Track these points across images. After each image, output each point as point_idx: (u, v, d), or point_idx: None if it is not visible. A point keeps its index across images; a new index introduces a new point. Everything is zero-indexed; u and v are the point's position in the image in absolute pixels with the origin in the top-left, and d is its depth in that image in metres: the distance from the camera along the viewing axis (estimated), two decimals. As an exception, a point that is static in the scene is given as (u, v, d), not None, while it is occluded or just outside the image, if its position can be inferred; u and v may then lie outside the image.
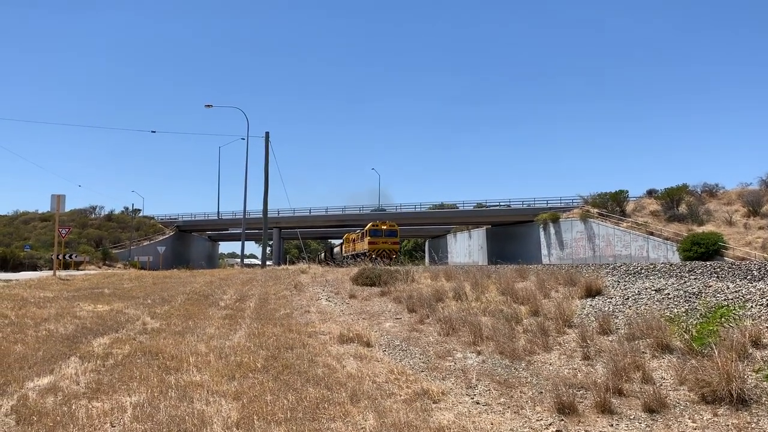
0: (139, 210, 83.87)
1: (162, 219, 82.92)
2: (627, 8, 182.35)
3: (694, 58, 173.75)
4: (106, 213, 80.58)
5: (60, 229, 31.23)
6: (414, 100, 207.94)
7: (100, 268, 50.86)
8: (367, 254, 41.89)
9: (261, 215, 45.37)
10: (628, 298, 10.07)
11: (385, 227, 48.71)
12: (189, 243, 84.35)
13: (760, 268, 10.92)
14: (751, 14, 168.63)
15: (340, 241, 71.69)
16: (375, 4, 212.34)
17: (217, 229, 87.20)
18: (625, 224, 45.52)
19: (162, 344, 8.59)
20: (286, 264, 44.72)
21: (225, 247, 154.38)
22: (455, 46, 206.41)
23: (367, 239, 48.29)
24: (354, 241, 56.72)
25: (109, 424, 5.14)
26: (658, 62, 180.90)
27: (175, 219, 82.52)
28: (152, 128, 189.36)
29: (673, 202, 45.73)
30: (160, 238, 72.72)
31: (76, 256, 48.41)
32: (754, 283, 9.35)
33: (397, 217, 65.91)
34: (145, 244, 69.56)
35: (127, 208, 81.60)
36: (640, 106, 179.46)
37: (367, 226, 49.51)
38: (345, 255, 58.42)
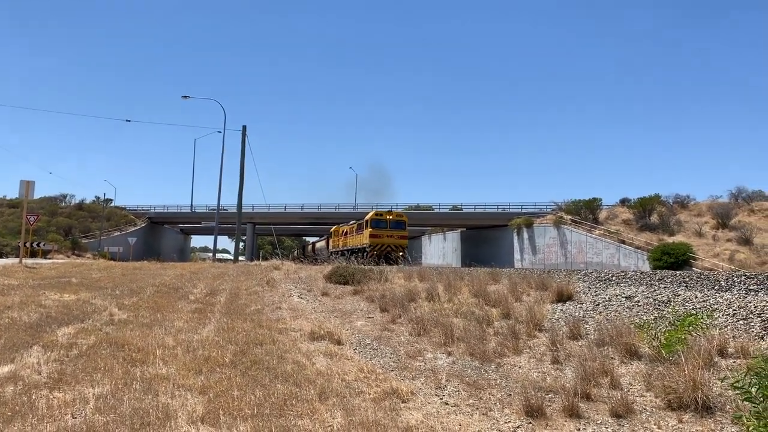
0: (111, 200, 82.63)
1: (134, 210, 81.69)
2: (603, 16, 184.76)
3: (671, 69, 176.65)
4: (77, 202, 79.17)
5: (28, 216, 30.59)
6: (392, 100, 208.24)
7: (68, 257, 49.96)
8: (367, 251, 35.86)
9: (235, 210, 45.02)
10: (598, 304, 10.15)
11: (390, 217, 38.63)
12: (161, 235, 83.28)
13: (727, 279, 11.10)
14: (723, 30, 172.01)
15: (322, 236, 65.14)
16: (354, 2, 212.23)
17: (190, 222, 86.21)
18: (597, 232, 46.06)
19: (128, 336, 8.43)
20: (259, 260, 43.95)
21: (197, 241, 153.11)
22: (435, 47, 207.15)
23: (367, 232, 38.44)
24: (346, 234, 47.02)
25: (70, 415, 5.02)
26: (636, 72, 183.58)
27: (148, 210, 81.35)
28: (127, 117, 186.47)
29: (646, 212, 46.41)
30: (132, 230, 71.63)
31: (44, 245, 47.46)
32: (721, 294, 9.49)
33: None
34: (115, 234, 68.48)
35: (98, 198, 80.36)
36: (616, 115, 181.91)
37: (369, 215, 39.59)
38: (333, 251, 48.64)
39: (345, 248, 43.93)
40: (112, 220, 73.05)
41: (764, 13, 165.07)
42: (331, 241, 52.72)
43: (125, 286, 15.87)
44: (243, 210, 46.38)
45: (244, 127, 44.19)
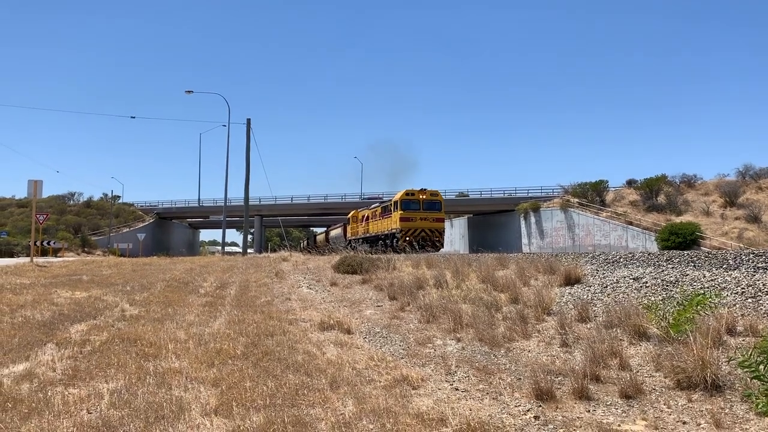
0: (119, 197, 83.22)
1: (142, 206, 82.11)
2: (612, 1, 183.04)
3: (677, 50, 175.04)
4: (85, 199, 79.69)
5: (37, 216, 30.80)
6: (398, 86, 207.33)
7: (78, 255, 50.34)
8: (398, 237, 31.87)
9: (242, 203, 45.10)
10: (606, 287, 10.16)
11: (424, 196, 32.91)
12: (169, 230, 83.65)
13: (735, 258, 11.08)
14: (733, 9, 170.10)
15: (334, 224, 61.15)
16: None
17: (198, 216, 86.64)
18: (604, 214, 45.92)
19: (140, 331, 8.52)
20: (267, 252, 43.99)
21: (206, 235, 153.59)
22: (441, 34, 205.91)
23: (396, 215, 32.96)
24: (367, 219, 41.32)
25: (85, 411, 5.09)
26: (642, 53, 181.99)
27: (156, 206, 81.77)
28: (132, 114, 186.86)
29: (652, 193, 46.19)
30: (140, 225, 72.00)
31: (54, 243, 47.80)
32: (729, 272, 9.48)
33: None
34: (124, 231, 68.87)
35: (106, 195, 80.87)
36: (621, 96, 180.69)
37: (398, 195, 33.88)
38: (352, 239, 43.59)
39: (367, 235, 40.10)
40: (121, 217, 73.46)
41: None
42: (349, 228, 47.79)
43: (136, 281, 15.98)
44: (250, 203, 46.45)
45: (249, 120, 44.21)
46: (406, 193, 33.07)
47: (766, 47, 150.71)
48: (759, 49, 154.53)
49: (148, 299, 12.25)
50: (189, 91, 49.48)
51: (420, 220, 32.34)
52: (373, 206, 41.02)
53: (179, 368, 6.48)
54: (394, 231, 33.09)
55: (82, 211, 73.15)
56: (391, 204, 35.04)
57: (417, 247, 27.66)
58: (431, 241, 31.88)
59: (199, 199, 78.76)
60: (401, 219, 32.28)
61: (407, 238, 31.02)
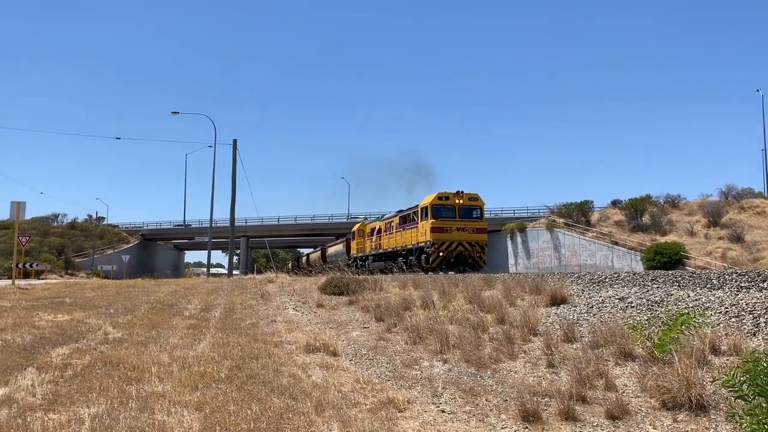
0: (104, 218, 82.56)
1: (127, 227, 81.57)
2: (593, 15, 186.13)
3: (660, 69, 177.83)
4: (69, 221, 78.96)
5: (20, 237, 30.45)
6: (384, 104, 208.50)
7: (62, 277, 49.72)
8: (428, 252, 25.51)
9: (228, 224, 44.92)
10: (592, 307, 10.20)
11: (460, 201, 26.43)
12: (154, 252, 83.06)
13: (719, 278, 11.16)
14: (714, 29, 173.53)
15: (330, 241, 54.97)
16: (346, 8, 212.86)
17: (183, 238, 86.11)
18: (590, 234, 46.19)
19: (123, 354, 8.41)
20: (253, 273, 43.44)
21: (191, 256, 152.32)
22: (427, 48, 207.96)
23: (426, 225, 26.28)
24: (378, 232, 34.28)
25: (65, 437, 5.00)
26: (626, 71, 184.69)
27: (140, 227, 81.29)
28: (117, 135, 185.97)
29: (637, 213, 46.57)
30: (125, 247, 71.45)
31: (36, 265, 47.25)
32: (713, 292, 9.55)
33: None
34: (109, 252, 68.27)
35: (90, 216, 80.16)
36: (605, 116, 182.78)
37: (427, 200, 27.03)
38: (359, 256, 38.11)
39: (379, 251, 33.33)
40: (105, 239, 72.85)
41: (749, 12, 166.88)
42: (354, 244, 40.57)
43: (119, 304, 15.81)
44: (236, 224, 46.29)
45: (235, 141, 44.17)
46: (439, 197, 26.41)
47: (746, 66, 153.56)
48: (740, 68, 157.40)
49: (131, 322, 12.11)
50: (175, 112, 49.51)
51: (456, 230, 25.79)
52: (386, 216, 34.57)
53: (162, 392, 6.40)
54: (422, 245, 26.63)
55: (66, 233, 72.43)
56: (416, 211, 28.13)
57: (454, 266, 23.67)
58: (471, 257, 25.77)
59: (184, 220, 78.43)
60: (433, 229, 25.65)
61: (440, 254, 25.16)
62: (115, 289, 22.77)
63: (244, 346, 9.14)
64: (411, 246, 28.00)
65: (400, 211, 31.60)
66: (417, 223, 27.71)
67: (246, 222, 72.64)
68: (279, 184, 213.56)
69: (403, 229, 29.62)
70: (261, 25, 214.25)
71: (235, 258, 67.26)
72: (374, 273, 27.43)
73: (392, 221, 32.32)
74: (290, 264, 79.77)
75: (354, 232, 40.46)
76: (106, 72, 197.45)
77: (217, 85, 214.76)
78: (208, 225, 48.35)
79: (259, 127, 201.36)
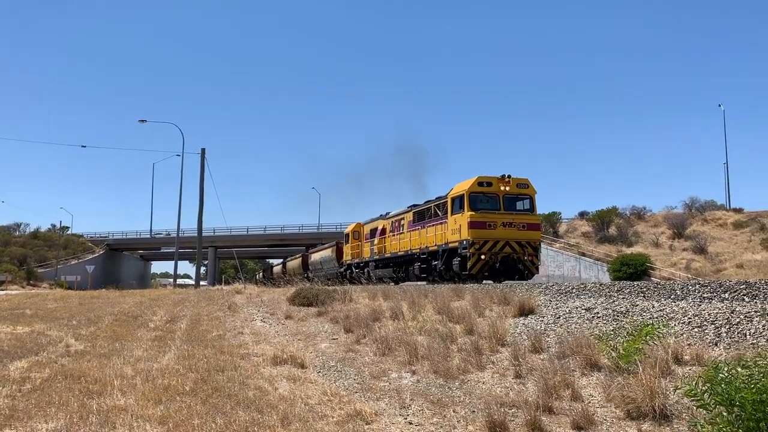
0: (68, 227, 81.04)
1: (92, 237, 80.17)
2: (558, 27, 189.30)
3: (625, 84, 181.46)
4: (32, 230, 77.33)
5: (-20, 247, 29.64)
6: (354, 118, 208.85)
7: (23, 288, 48.56)
8: (463, 254, 19.57)
9: (196, 234, 44.37)
10: (559, 317, 10.28)
11: (506, 188, 20.39)
12: (120, 262, 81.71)
13: (682, 288, 11.36)
14: (677, 44, 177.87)
15: (323, 245, 45.85)
16: (313, 16, 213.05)
17: (150, 248, 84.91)
18: (557, 245, 46.76)
19: (85, 367, 8.22)
20: (221, 284, 42.73)
21: (158, 267, 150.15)
22: (403, 58, 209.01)
23: (461, 219, 20.20)
24: (382, 233, 28.50)
25: (21, 453, 4.85)
26: (591, 87, 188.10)
27: (106, 237, 79.96)
28: (83, 143, 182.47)
29: (604, 224, 47.34)
30: (89, 257, 70.17)
31: (-3, 276, 46.04)
32: (677, 303, 9.70)
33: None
34: (73, 263, 66.98)
35: (54, 226, 78.67)
36: (572, 130, 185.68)
37: (462, 186, 20.89)
38: (352, 263, 32.41)
39: (384, 256, 27.55)
40: (69, 248, 71.48)
41: (711, 28, 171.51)
42: (347, 249, 33.90)
43: (82, 315, 15.48)
44: (204, 234, 45.75)
45: (203, 150, 43.73)
46: (479, 182, 20.29)
47: (711, 83, 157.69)
48: (703, 83, 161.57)
49: (94, 334, 11.85)
50: (142, 120, 48.84)
51: (502, 226, 19.75)
52: (391, 214, 28.33)
53: (125, 406, 6.25)
54: (454, 245, 20.48)
55: (29, 243, 70.91)
56: (442, 203, 22.27)
57: (497, 274, 19.09)
58: (521, 261, 19.83)
59: (151, 230, 77.36)
60: (472, 224, 19.55)
61: (482, 257, 19.29)
62: (78, 300, 22.30)
63: (210, 358, 9.01)
64: (435, 248, 22.08)
65: (414, 205, 25.80)
66: (443, 219, 21.79)
67: (214, 232, 71.88)
68: (248, 194, 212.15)
69: (423, 227, 23.75)
70: (230, 33, 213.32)
71: (202, 269, 66.49)
72: (376, 282, 25.33)
73: (402, 219, 26.43)
74: (260, 275, 79.09)
75: (348, 235, 33.90)
76: (72, 79, 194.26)
77: (185, 94, 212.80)
78: (175, 235, 47.66)
79: (229, 136, 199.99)
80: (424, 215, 24.24)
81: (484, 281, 18.82)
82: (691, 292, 10.63)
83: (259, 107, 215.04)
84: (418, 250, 23.78)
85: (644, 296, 11.08)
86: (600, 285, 12.79)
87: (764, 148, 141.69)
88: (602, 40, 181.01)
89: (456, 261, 20.19)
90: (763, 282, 9.27)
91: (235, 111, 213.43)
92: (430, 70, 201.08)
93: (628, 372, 6.74)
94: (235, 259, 78.56)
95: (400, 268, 25.94)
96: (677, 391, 5.84)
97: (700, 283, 11.38)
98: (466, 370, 8.11)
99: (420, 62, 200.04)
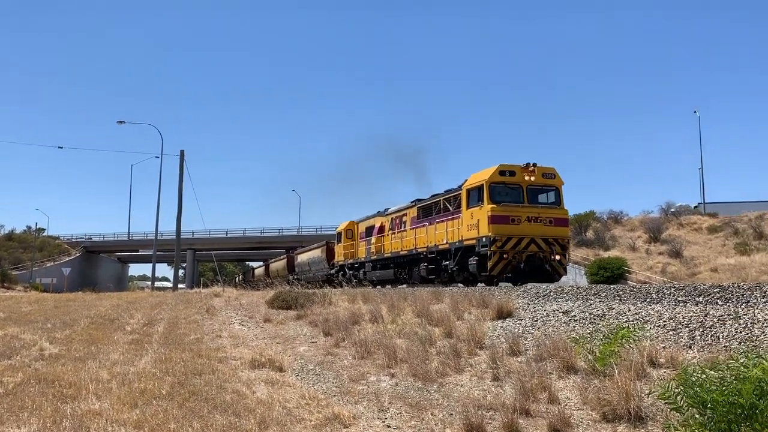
0: (44, 229, 79.94)
1: (68, 239, 79.04)
2: (525, 32, 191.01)
3: (604, 88, 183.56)
4: (7, 232, 76.06)
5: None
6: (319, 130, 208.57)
7: (-3, 290, 47.70)
8: (488, 252, 17.18)
9: (174, 236, 43.95)
10: (537, 320, 10.36)
11: (531, 177, 18.13)
12: (97, 265, 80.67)
13: (658, 292, 11.51)
14: (654, 52, 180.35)
15: (312, 245, 41.86)
16: (290, 13, 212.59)
17: (128, 250, 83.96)
18: (537, 249, 47.05)
19: (60, 371, 8.11)
20: (199, 287, 42.15)
21: (136, 269, 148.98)
22: (376, 48, 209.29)
23: (481, 212, 17.90)
24: (380, 231, 26.44)
25: (-7, 459, 4.77)
26: (569, 89, 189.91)
27: (83, 239, 78.90)
28: (60, 144, 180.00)
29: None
30: (66, 260, 69.16)
31: (-31, 278, 45.21)
32: (652, 306, 9.83)
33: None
34: (48, 265, 65.95)
35: (30, 227, 77.40)
36: (551, 133, 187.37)
37: (483, 176, 18.23)
38: (346, 263, 30.36)
39: (383, 256, 25.47)
40: (45, 251, 70.45)
41: (688, 35, 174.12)
42: (339, 248, 31.74)
43: (58, 318, 15.27)
44: (182, 236, 45.29)
45: (182, 152, 43.35)
46: (500, 171, 17.97)
47: (688, 89, 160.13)
48: (680, 88, 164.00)
49: (70, 337, 11.70)
50: (121, 122, 48.24)
51: (527, 221, 17.62)
52: (390, 210, 26.27)
53: (99, 410, 6.18)
54: (470, 243, 18.27)
55: (3, 245, 69.76)
56: (455, 196, 20.08)
57: (521, 276, 17.31)
58: (548, 261, 17.66)
59: (129, 232, 76.51)
60: (493, 219, 17.37)
61: (504, 256, 17.20)
62: (53, 303, 22.00)
63: (187, 361, 8.94)
64: (445, 246, 19.85)
65: (418, 200, 23.61)
66: (456, 213, 19.55)
67: (193, 234, 71.27)
68: (228, 197, 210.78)
69: (430, 224, 21.42)
70: (210, 33, 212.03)
71: (181, 271, 65.90)
72: (374, 285, 23.68)
73: (404, 215, 24.25)
74: (239, 278, 78.54)
75: (340, 234, 31.50)
76: (49, 78, 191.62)
77: (165, 96, 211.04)
78: (154, 237, 47.15)
79: (209, 139, 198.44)
80: (431, 210, 21.98)
81: (501, 283, 17.53)
82: (666, 296, 10.77)
83: (239, 110, 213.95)
84: (424, 249, 21.45)
85: (620, 299, 11.20)
86: (577, 288, 12.90)
87: (740, 151, 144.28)
88: (575, 43, 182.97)
89: (473, 261, 18.07)
90: (735, 285, 9.42)
91: (215, 113, 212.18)
92: (412, 65, 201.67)
93: (605, 375, 6.81)
94: (213, 262, 77.99)
95: (403, 269, 23.82)
96: (651, 394, 5.92)
97: (675, 287, 11.54)
98: (445, 373, 8.14)
99: (401, 57, 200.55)
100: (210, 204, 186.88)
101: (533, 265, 17.45)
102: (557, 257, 17.76)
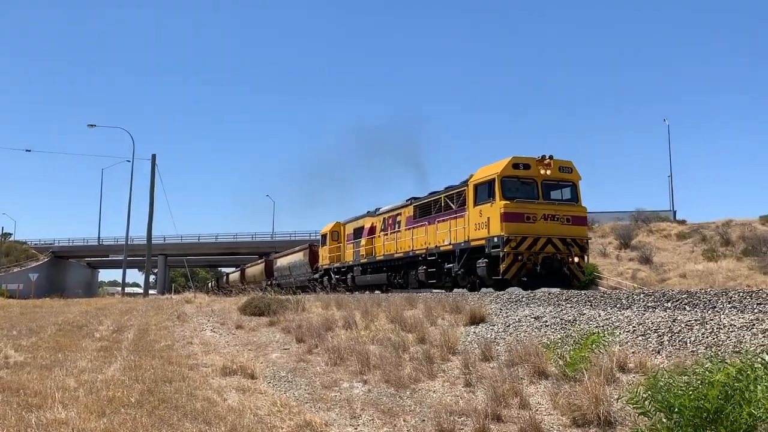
0: (10, 234, 78.27)
1: (36, 244, 77.53)
2: (512, 43, 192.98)
3: (577, 95, 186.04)
4: (-29, 237, 74.30)
5: None
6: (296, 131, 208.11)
7: (-39, 296, 46.54)
8: (501, 253, 15.56)
9: (145, 241, 43.37)
10: (509, 326, 10.43)
11: (547, 171, 16.36)
12: (66, 270, 79.20)
13: (628, 298, 11.67)
14: (623, 62, 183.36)
15: (292, 249, 40.08)
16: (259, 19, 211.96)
17: (97, 255, 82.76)
18: (510, 255, 47.37)
19: (25, 379, 7.94)
20: (171, 293, 41.47)
21: (105, 275, 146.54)
22: (355, 64, 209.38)
23: (492, 210, 16.16)
24: (371, 233, 24.81)
25: (-47, 471, 4.65)
26: (544, 97, 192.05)
27: (51, 244, 77.42)
28: (27, 147, 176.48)
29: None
30: (33, 265, 67.84)
31: (-68, 284, 44.07)
32: (622, 311, 9.96)
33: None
34: (15, 270, 64.65)
35: (-5, 232, 75.68)
36: (525, 138, 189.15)
37: (494, 169, 16.42)
38: (331, 267, 28.59)
39: (374, 259, 23.81)
40: (12, 256, 69.06)
41: (657, 46, 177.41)
42: (323, 252, 30.03)
43: (23, 325, 14.95)
44: (154, 241, 44.78)
45: (154, 156, 42.97)
46: (513, 164, 16.38)
47: (659, 97, 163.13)
48: (652, 97, 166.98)
49: (36, 344, 11.46)
50: (91, 125, 47.47)
51: (543, 219, 16.07)
52: (382, 210, 24.38)
53: (66, 419, 6.05)
54: (479, 244, 16.74)
55: (-32, 250, 68.14)
56: (459, 192, 18.33)
57: (537, 280, 15.70)
58: (566, 264, 16.13)
59: (99, 237, 75.34)
60: (506, 216, 15.82)
61: (519, 258, 15.65)
62: (20, 309, 21.55)
63: (157, 369, 8.81)
64: (448, 248, 18.22)
65: (414, 198, 21.89)
66: (461, 211, 17.94)
67: (164, 239, 70.35)
68: (200, 202, 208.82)
69: (429, 223, 19.66)
70: (183, 38, 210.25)
71: (152, 277, 65.04)
72: (361, 291, 22.27)
73: (399, 214, 22.40)
74: (212, 283, 77.77)
75: (324, 236, 29.73)
76: (16, 80, 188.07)
77: (136, 100, 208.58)
78: (124, 242, 46.45)
79: (181, 144, 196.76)
80: (430, 209, 20.12)
81: (507, 287, 15.97)
82: (636, 302, 10.93)
83: (211, 114, 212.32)
84: (423, 251, 19.70)
85: (591, 305, 11.33)
86: (549, 294, 13.02)
87: (708, 160, 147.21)
88: (551, 49, 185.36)
89: (482, 263, 16.45)
90: (703, 291, 9.60)
91: (186, 118, 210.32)
92: (390, 64, 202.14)
93: (575, 380, 6.88)
94: (185, 268, 77.06)
95: (398, 272, 22.15)
96: (620, 398, 5.99)
97: (644, 293, 11.71)
98: (417, 379, 8.14)
99: (381, 58, 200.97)
100: (183, 210, 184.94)
101: (551, 268, 15.91)
102: (576, 259, 16.30)
